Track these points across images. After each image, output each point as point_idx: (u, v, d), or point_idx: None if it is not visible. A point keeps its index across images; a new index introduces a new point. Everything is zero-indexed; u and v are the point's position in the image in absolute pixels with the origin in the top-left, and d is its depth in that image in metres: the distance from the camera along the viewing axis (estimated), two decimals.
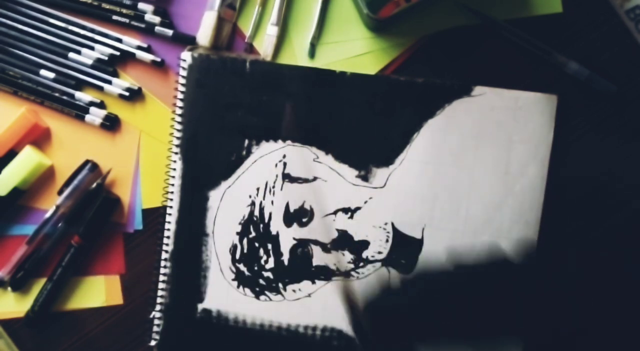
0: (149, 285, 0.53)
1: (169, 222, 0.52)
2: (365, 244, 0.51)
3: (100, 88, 0.53)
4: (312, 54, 0.52)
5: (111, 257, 0.54)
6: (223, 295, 0.52)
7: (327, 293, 0.51)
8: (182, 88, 0.51)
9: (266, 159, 0.51)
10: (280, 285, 0.52)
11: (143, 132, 0.54)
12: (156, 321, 0.52)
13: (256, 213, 0.51)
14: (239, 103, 0.51)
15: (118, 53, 0.53)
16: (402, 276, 0.51)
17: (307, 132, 0.51)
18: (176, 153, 0.52)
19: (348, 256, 0.51)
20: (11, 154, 0.53)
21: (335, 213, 0.51)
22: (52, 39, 0.53)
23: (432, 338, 0.51)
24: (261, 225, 0.51)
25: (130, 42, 0.53)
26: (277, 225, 0.51)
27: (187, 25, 0.53)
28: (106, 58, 0.53)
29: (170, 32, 0.52)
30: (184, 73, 0.51)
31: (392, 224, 0.51)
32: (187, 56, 0.51)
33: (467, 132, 0.50)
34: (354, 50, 0.52)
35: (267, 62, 0.52)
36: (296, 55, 0.52)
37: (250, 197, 0.51)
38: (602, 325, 0.52)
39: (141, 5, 0.53)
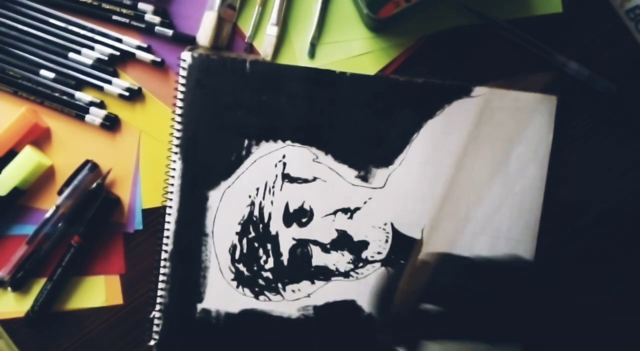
0: (149, 285, 0.53)
1: (168, 222, 0.52)
2: (364, 244, 0.51)
3: (100, 88, 0.53)
4: (312, 54, 0.52)
5: (111, 257, 0.54)
6: (222, 295, 0.52)
7: (327, 294, 0.52)
8: (182, 88, 0.51)
9: (266, 159, 0.51)
10: (280, 285, 0.52)
11: (143, 132, 0.54)
12: (156, 321, 0.52)
13: (256, 213, 0.51)
14: (239, 103, 0.51)
15: (118, 53, 0.53)
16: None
17: (306, 132, 0.51)
18: (176, 153, 0.52)
19: (347, 256, 0.51)
20: (11, 154, 0.53)
21: (334, 213, 0.51)
22: (52, 39, 0.53)
23: (439, 333, 0.51)
24: (261, 225, 0.51)
25: (130, 42, 0.53)
26: (276, 225, 0.51)
27: (187, 25, 0.53)
28: (106, 58, 0.53)
29: (170, 32, 0.52)
30: (184, 73, 0.51)
31: (392, 224, 0.51)
32: (187, 56, 0.51)
33: (466, 133, 0.50)
34: (354, 50, 0.52)
35: (267, 62, 0.52)
36: (296, 55, 0.52)
37: (249, 197, 0.51)
38: (601, 328, 0.52)
39: (141, 5, 0.53)
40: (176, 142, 0.52)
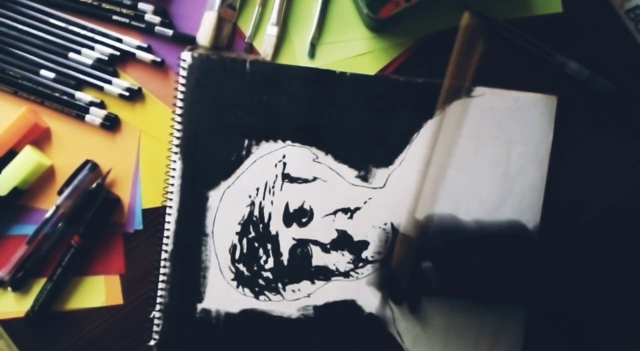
0: (149, 285, 0.53)
1: (168, 222, 0.52)
2: (364, 244, 0.51)
3: (100, 88, 0.53)
4: (312, 54, 0.52)
5: (111, 257, 0.54)
6: (222, 295, 0.52)
7: (327, 293, 0.52)
8: (182, 88, 0.51)
9: (266, 159, 0.51)
10: (280, 285, 0.52)
11: (143, 132, 0.54)
12: (156, 321, 0.52)
13: (256, 213, 0.51)
14: (239, 103, 0.51)
15: (118, 53, 0.53)
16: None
17: (307, 132, 0.51)
18: (176, 153, 0.52)
19: (347, 256, 0.51)
20: (11, 154, 0.53)
21: (334, 213, 0.51)
22: (52, 39, 0.53)
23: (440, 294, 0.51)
24: (261, 225, 0.51)
25: (130, 42, 0.53)
26: (276, 225, 0.51)
27: (187, 25, 0.53)
28: (106, 58, 0.53)
29: (170, 32, 0.52)
30: (184, 73, 0.51)
31: (392, 224, 0.51)
32: (187, 56, 0.51)
33: (466, 133, 0.50)
34: (354, 50, 0.52)
35: (267, 62, 0.52)
36: (296, 55, 0.52)
37: (250, 197, 0.51)
38: (601, 328, 0.52)
39: (141, 5, 0.53)
40: (176, 142, 0.52)
